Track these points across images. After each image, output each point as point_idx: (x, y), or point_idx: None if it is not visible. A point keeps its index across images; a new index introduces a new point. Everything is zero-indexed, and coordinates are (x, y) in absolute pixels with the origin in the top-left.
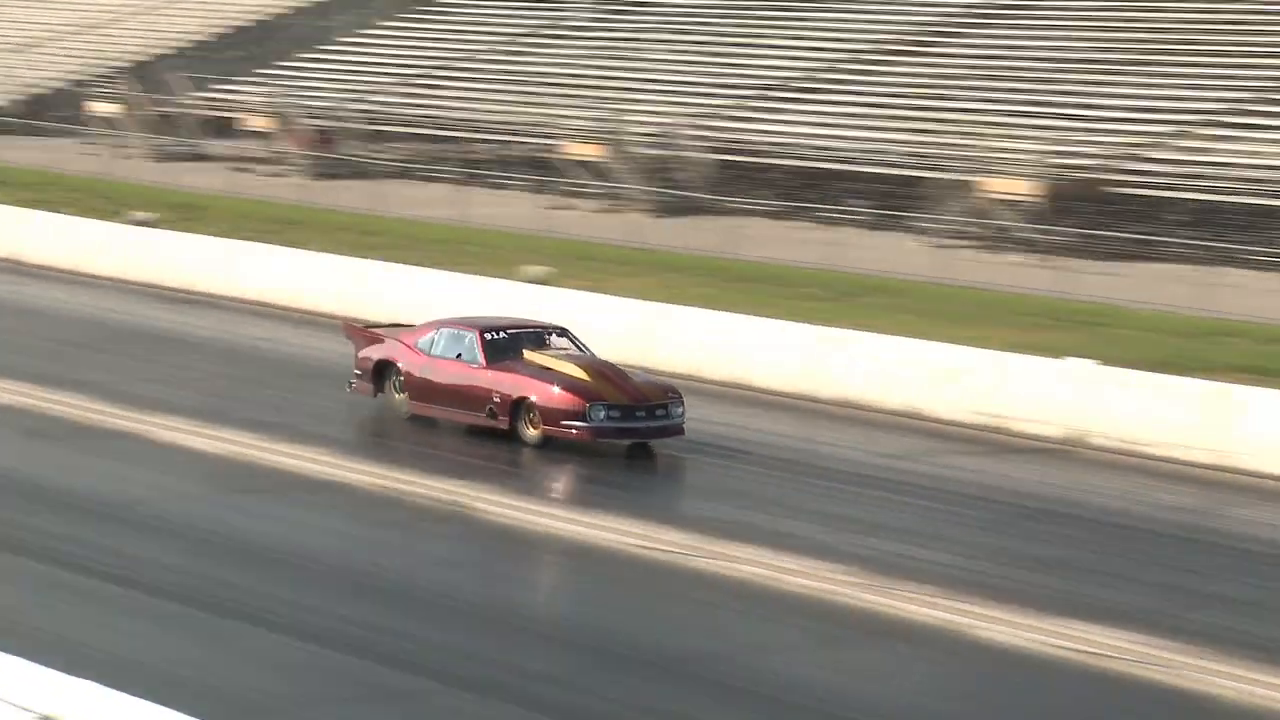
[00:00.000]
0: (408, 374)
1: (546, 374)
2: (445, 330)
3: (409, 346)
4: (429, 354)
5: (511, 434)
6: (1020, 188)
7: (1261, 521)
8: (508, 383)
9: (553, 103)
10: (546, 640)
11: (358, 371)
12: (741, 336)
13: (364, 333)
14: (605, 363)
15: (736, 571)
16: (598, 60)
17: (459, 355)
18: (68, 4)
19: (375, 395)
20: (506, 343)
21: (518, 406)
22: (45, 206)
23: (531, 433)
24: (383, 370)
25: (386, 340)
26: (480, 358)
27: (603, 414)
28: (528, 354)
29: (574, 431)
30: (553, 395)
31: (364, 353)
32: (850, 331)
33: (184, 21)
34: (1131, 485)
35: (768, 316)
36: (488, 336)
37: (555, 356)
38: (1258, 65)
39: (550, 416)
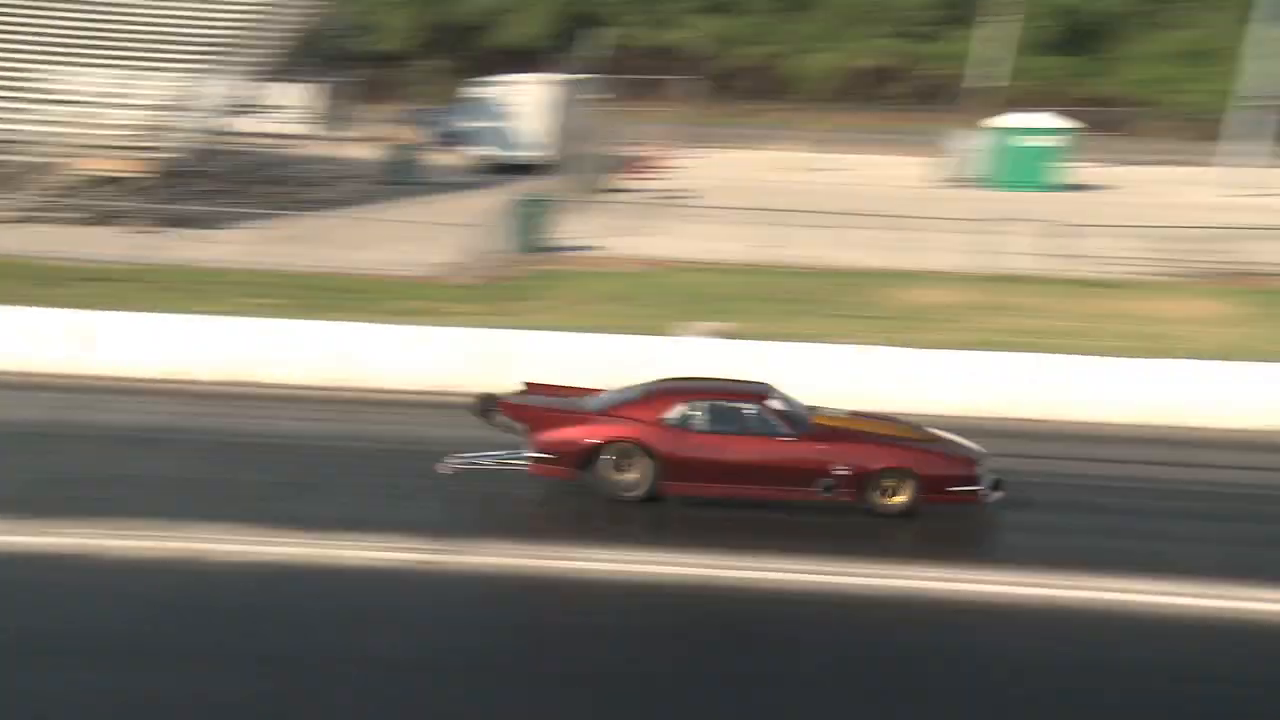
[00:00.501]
0: (669, 454)
1: (900, 441)
2: (700, 402)
3: (654, 425)
4: (693, 430)
5: (844, 506)
6: (115, 165)
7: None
8: (853, 453)
9: None
10: None
11: (546, 455)
12: None
13: (534, 411)
14: (908, 422)
15: None
16: None
17: (745, 428)
18: None
19: (574, 479)
20: (793, 411)
21: (871, 477)
22: None
23: (892, 501)
24: (597, 451)
25: (597, 418)
26: (786, 429)
27: (987, 476)
28: (823, 419)
29: (966, 496)
30: (938, 462)
31: (562, 434)
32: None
33: None
34: None
35: None
36: (777, 405)
37: (850, 417)
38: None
39: (935, 485)
